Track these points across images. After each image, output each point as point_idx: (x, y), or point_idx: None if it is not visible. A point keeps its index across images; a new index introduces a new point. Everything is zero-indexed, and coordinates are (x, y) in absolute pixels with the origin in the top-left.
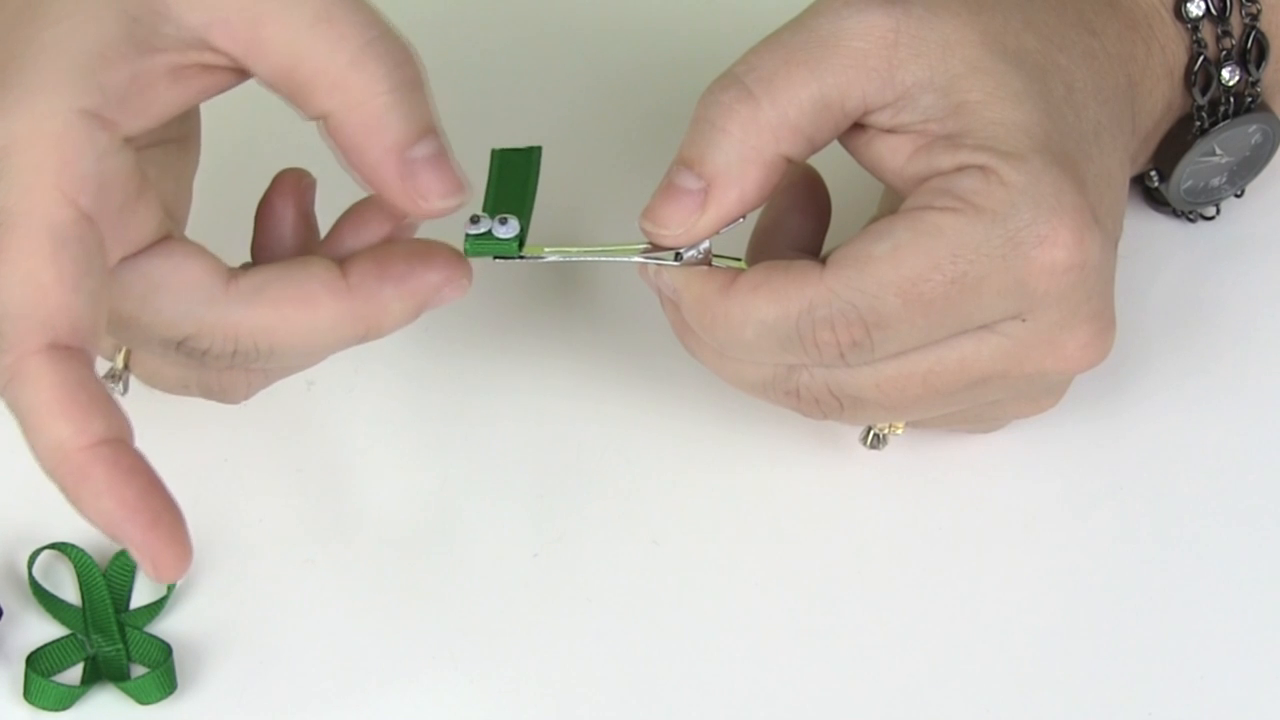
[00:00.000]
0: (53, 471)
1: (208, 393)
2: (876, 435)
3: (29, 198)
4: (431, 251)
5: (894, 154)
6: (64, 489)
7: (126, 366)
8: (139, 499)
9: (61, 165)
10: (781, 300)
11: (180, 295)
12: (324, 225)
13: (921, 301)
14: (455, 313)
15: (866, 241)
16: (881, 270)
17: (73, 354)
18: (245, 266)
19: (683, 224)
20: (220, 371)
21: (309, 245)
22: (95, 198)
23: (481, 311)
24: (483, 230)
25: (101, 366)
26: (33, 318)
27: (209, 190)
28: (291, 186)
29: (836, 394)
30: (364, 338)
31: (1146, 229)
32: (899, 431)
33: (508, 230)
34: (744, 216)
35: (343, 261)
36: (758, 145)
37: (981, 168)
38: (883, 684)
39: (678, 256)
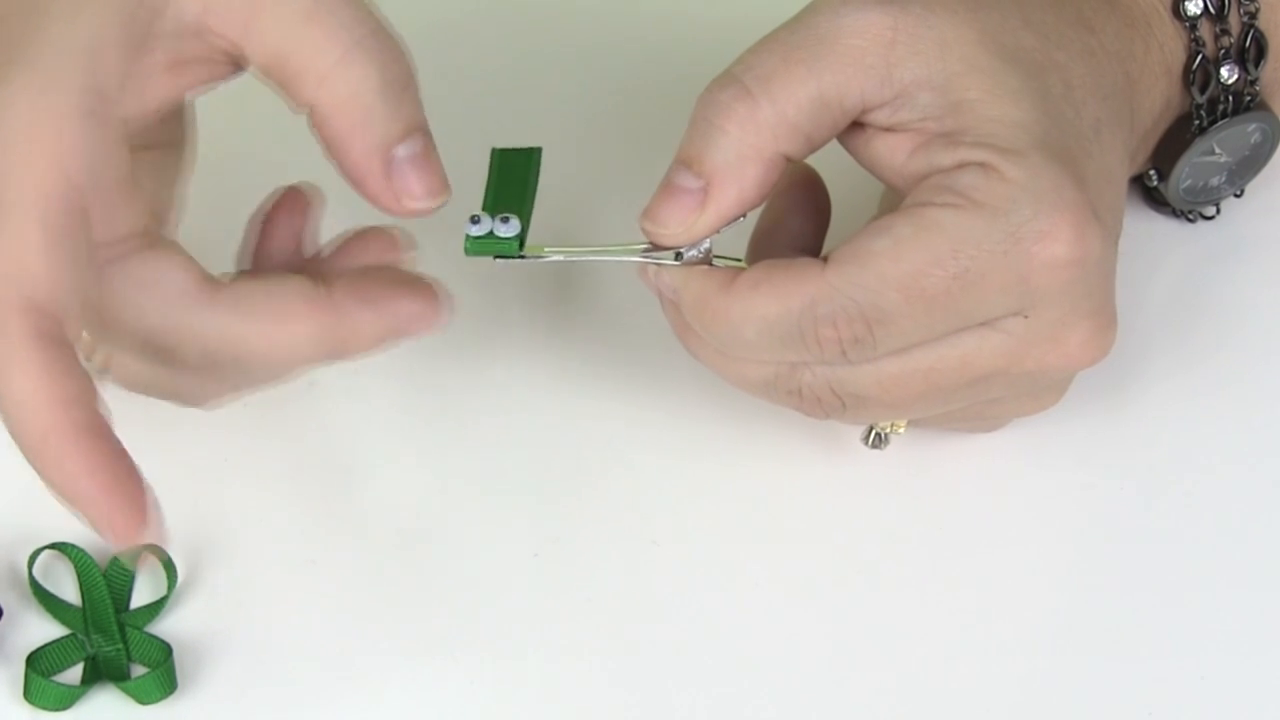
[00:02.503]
0: (19, 433)
1: (173, 396)
2: (878, 434)
3: (25, 166)
4: (416, 284)
5: (893, 152)
6: (29, 452)
7: (106, 367)
8: (104, 463)
9: (58, 139)
10: (783, 297)
11: (160, 298)
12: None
13: (923, 297)
14: (456, 314)
15: (867, 238)
16: (883, 266)
17: (47, 317)
18: (228, 275)
19: (682, 223)
20: (188, 376)
21: (299, 264)
22: (88, 176)
23: (482, 311)
24: (484, 230)
25: None
26: (15, 277)
27: (208, 192)
28: (293, 206)
29: (838, 392)
30: (332, 356)
31: (1146, 229)
32: (901, 431)
33: (509, 229)
34: (744, 215)
35: (324, 279)
36: (756, 144)
37: (981, 164)
38: (883, 683)
39: (678, 256)
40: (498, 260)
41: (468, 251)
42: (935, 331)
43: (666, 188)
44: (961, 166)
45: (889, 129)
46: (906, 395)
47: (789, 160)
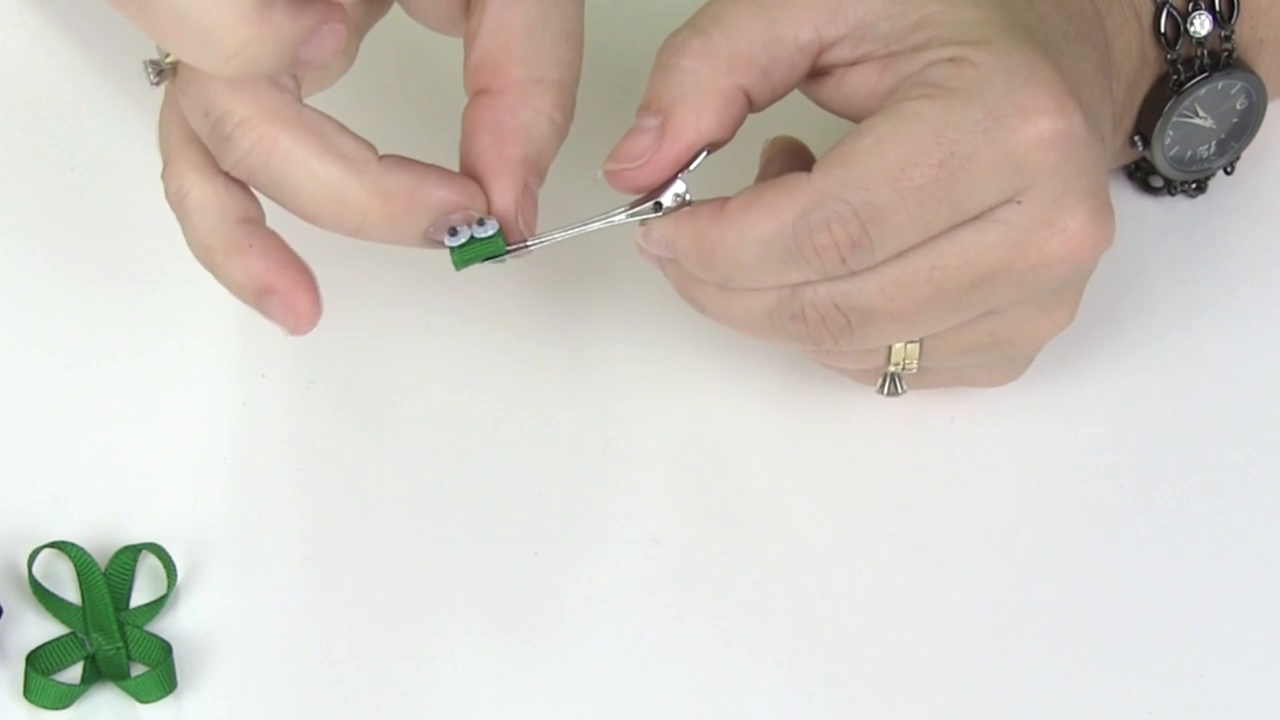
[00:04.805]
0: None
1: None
2: (893, 378)
3: None
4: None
5: (865, 80)
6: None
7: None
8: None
9: None
10: (775, 212)
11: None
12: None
13: (913, 189)
14: (455, 313)
15: (850, 140)
16: (869, 163)
17: None
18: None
19: (640, 156)
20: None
21: None
22: None
23: (481, 311)
24: (462, 238)
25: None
26: None
27: None
28: None
29: (843, 308)
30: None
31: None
32: (913, 366)
33: (486, 230)
34: (707, 151)
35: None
36: (711, 73)
37: (951, 58)
38: (883, 681)
39: (657, 208)
40: (486, 261)
41: (457, 265)
42: (931, 226)
43: (628, 132)
44: (931, 65)
45: (855, 62)
46: (911, 302)
47: (751, 101)
